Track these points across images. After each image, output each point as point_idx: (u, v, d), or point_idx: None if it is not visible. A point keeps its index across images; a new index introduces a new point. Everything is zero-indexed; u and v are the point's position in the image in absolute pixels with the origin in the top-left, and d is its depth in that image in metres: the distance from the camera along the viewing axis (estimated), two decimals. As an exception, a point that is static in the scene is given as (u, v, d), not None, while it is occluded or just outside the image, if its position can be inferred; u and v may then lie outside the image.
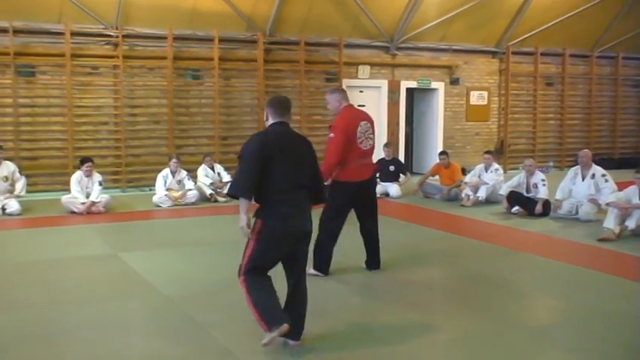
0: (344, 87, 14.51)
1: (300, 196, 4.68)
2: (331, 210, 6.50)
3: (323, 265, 6.55)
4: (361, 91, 15.18)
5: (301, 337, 4.68)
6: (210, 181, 11.80)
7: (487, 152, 11.94)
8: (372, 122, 6.73)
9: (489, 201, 11.15)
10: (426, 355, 4.70)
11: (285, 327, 4.41)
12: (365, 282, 6.50)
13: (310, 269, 6.40)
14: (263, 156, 4.52)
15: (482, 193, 11.20)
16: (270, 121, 4.87)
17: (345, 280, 6.53)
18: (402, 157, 15.07)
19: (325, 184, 6.03)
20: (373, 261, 6.87)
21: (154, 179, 11.41)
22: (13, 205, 10.25)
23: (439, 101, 16.02)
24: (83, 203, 10.30)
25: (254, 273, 4.57)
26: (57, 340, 4.88)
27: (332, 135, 6.41)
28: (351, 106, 6.69)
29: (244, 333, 5.00)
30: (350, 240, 6.95)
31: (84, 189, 10.45)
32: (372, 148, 6.70)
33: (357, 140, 6.47)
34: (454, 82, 16.08)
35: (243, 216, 4.51)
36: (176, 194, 11.21)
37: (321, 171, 5.10)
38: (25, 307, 5.69)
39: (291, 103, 5.08)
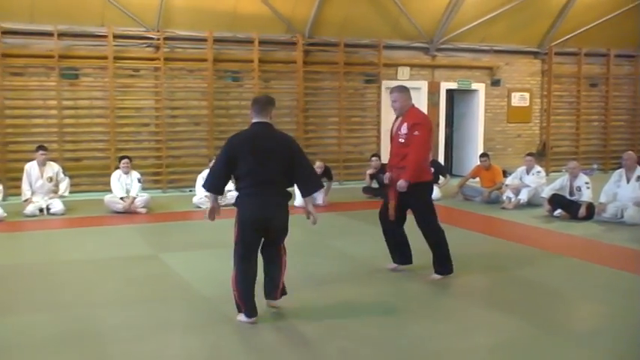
0: (383, 88, 14.51)
1: (267, 190, 5.15)
2: (432, 213, 6.56)
3: (449, 266, 6.57)
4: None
5: (277, 299, 5.39)
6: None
7: (529, 154, 11.76)
8: None
9: (531, 204, 10.97)
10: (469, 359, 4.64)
11: (254, 320, 5.16)
12: (403, 285, 6.43)
13: (434, 275, 6.53)
14: (229, 157, 5.17)
15: (523, 196, 11.03)
16: (253, 120, 5.33)
17: (381, 283, 6.48)
18: (441, 159, 14.95)
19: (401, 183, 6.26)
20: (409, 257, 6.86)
21: (194, 180, 11.50)
22: (57, 205, 10.45)
23: (479, 103, 15.84)
24: (122, 198, 10.45)
25: (241, 257, 5.19)
26: (98, 340, 4.93)
27: (417, 133, 6.31)
28: (414, 106, 6.64)
29: (282, 333, 5.01)
30: (377, 241, 6.89)
31: (123, 186, 10.64)
32: None
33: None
34: (495, 83, 15.89)
35: (210, 205, 5.42)
36: (216, 195, 11.26)
37: (409, 165, 6.16)
38: (67, 307, 5.77)
39: (273, 101, 5.46)
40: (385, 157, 13.15)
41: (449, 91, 15.72)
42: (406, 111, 6.48)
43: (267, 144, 5.19)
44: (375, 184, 12.32)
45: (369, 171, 12.35)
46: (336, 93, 14.29)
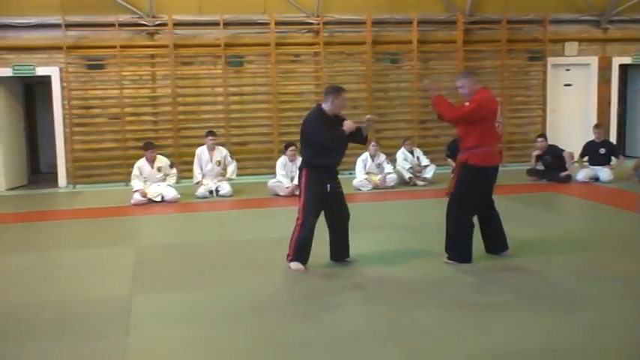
0: (549, 66, 13.84)
1: None
2: (461, 195, 6.29)
3: (460, 252, 6.29)
4: (568, 70, 14.34)
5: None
6: (409, 165, 11.77)
7: None
8: None
9: None
10: (631, 352, 4.31)
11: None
12: (571, 274, 6.08)
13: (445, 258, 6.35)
14: None
15: None
16: None
17: (541, 270, 6.18)
18: (613, 139, 14.02)
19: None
20: (502, 244, 6.59)
21: (354, 163, 11.58)
22: (225, 188, 10.95)
23: (657, 77, 14.68)
24: (287, 187, 10.72)
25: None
26: (269, 314, 5.12)
27: (467, 104, 6.22)
28: (486, 88, 6.45)
29: (441, 313, 4.94)
30: (543, 226, 6.55)
31: (288, 173, 10.87)
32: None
33: (496, 123, 6.31)
34: (675, 56, 14.62)
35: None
36: (375, 178, 11.30)
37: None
38: (240, 283, 6.03)
39: (332, 89, 6.36)
40: (552, 138, 12.65)
41: (622, 67, 14.67)
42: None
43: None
44: (540, 166, 11.81)
45: (535, 152, 11.82)
46: (498, 72, 13.80)
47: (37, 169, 14.86)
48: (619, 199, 10.03)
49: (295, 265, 6.25)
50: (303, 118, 6.43)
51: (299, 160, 10.86)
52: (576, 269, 6.15)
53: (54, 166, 12.94)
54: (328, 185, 6.27)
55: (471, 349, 4.33)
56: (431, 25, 13.51)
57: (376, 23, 13.15)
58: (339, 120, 6.27)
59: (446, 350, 4.34)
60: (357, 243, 6.72)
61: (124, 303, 5.40)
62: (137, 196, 10.34)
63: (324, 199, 6.25)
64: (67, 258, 7.22)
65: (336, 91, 6.25)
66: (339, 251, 6.48)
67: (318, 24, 12.93)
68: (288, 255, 6.32)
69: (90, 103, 12.68)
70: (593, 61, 14.35)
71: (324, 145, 6.15)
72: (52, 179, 12.89)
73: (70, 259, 7.13)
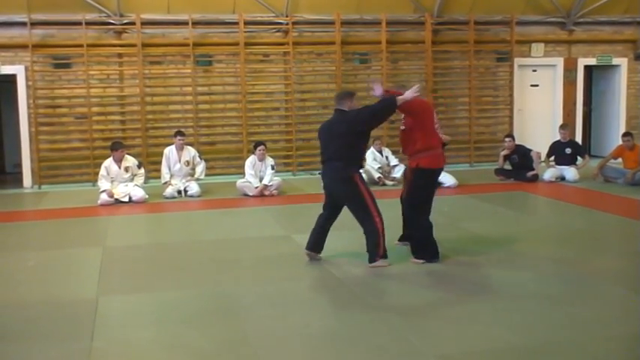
0: (516, 66, 14.00)
1: (327, 167, 6.37)
2: (418, 199, 6.47)
3: (428, 252, 6.38)
4: (534, 70, 14.52)
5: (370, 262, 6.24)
6: (378, 165, 11.81)
7: (678, 132, 10.96)
8: None
9: (681, 185, 10.23)
10: (602, 349, 4.36)
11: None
12: (540, 272, 6.17)
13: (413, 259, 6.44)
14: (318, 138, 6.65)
15: (672, 177, 10.31)
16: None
17: (512, 266, 6.26)
18: (579, 139, 14.24)
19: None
20: None
21: (323, 163, 11.58)
22: (193, 188, 10.88)
23: (621, 79, 14.89)
24: (256, 187, 10.68)
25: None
26: (238, 315, 5.09)
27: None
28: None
29: (410, 312, 4.98)
30: (510, 224, 6.63)
31: (257, 172, 10.84)
32: None
33: (435, 126, 6.51)
34: (639, 57, 14.87)
35: None
36: (345, 178, 11.30)
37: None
38: (208, 283, 6.00)
39: (346, 94, 6.65)
40: (519, 138, 12.79)
41: (587, 67, 14.90)
42: None
43: (331, 128, 6.42)
44: (508, 166, 11.93)
45: (503, 152, 11.93)
46: (466, 72, 13.93)
47: (1, 169, 14.63)
48: (585, 199, 10.19)
49: (383, 262, 6.26)
50: (324, 125, 6.64)
51: (268, 159, 10.92)
52: (544, 267, 6.25)
53: (19, 166, 12.75)
54: None
55: (439, 348, 4.35)
56: (399, 25, 13.58)
57: (345, 23, 13.18)
58: None
59: (414, 350, 4.36)
60: (325, 243, 6.72)
61: (90, 304, 5.34)
62: (104, 197, 10.22)
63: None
64: (32, 259, 7.10)
65: (350, 95, 6.59)
66: (321, 244, 6.59)
67: (288, 24, 12.91)
68: (377, 255, 6.23)
69: (56, 102, 12.50)
70: (559, 62, 14.55)
71: (379, 115, 6.40)
72: (17, 179, 12.70)
73: (35, 261, 7.03)
